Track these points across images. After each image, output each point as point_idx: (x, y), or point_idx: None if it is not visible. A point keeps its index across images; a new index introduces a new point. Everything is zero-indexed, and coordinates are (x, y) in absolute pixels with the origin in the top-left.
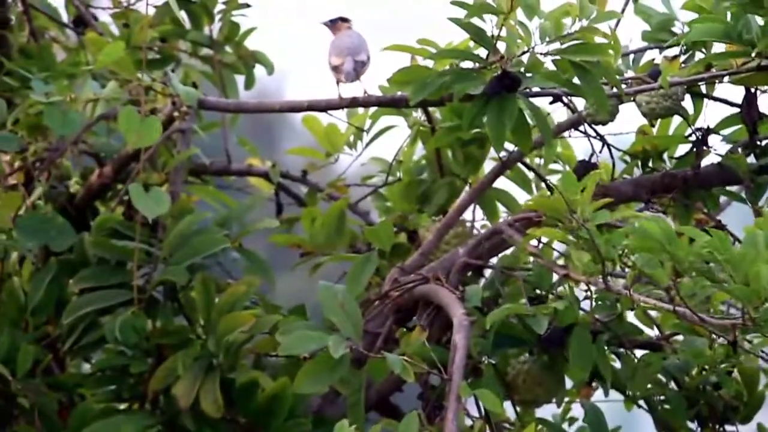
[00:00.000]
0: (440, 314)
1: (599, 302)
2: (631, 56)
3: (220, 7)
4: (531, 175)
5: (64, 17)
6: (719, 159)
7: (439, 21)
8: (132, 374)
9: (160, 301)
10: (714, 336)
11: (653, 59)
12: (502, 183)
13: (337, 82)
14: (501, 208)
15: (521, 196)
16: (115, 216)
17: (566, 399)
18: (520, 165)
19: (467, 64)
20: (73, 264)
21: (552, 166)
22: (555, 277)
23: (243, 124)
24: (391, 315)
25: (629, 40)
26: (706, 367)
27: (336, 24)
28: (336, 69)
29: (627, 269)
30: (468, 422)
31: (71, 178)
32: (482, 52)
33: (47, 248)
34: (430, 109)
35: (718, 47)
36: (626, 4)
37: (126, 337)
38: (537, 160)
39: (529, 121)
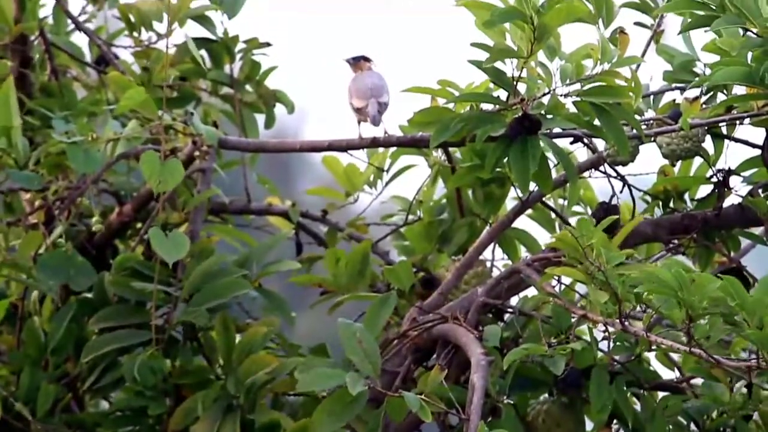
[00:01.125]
0: (459, 354)
1: (618, 343)
2: (652, 96)
3: (241, 46)
4: (554, 214)
5: (86, 56)
6: (740, 200)
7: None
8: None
9: (180, 340)
10: (732, 379)
11: (674, 100)
12: (525, 223)
13: (358, 122)
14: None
15: (544, 236)
16: (135, 255)
17: None
18: (543, 205)
19: (488, 106)
20: (93, 303)
21: (574, 207)
22: (574, 318)
23: (260, 161)
24: (410, 354)
25: (650, 78)
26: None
27: (358, 62)
28: (359, 111)
29: (646, 310)
30: None
31: (91, 217)
32: (502, 93)
33: (67, 287)
34: (450, 148)
35: (739, 89)
36: (648, 44)
37: (144, 378)
38: (561, 201)
39: (551, 160)
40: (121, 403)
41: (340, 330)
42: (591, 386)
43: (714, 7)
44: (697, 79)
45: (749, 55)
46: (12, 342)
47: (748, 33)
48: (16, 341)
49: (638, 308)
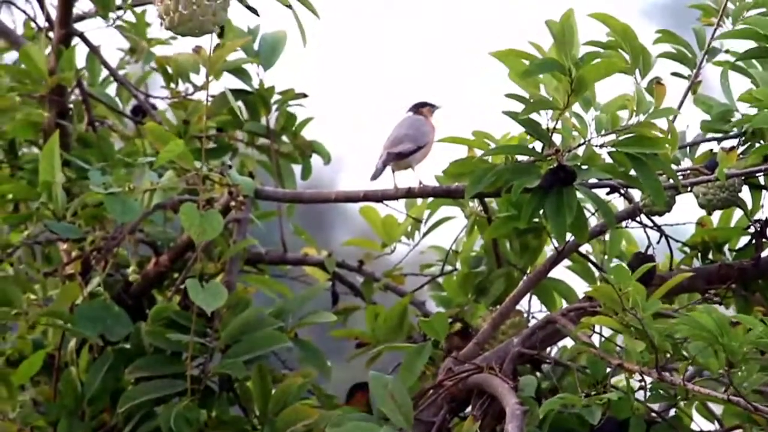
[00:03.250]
0: (494, 404)
1: (654, 392)
2: (688, 146)
3: (276, 97)
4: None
5: (119, 104)
6: None
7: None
8: None
9: (216, 391)
10: None
11: (711, 150)
12: (563, 274)
13: (393, 172)
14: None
15: (581, 287)
16: (172, 306)
17: None
18: (579, 255)
19: (523, 157)
20: (129, 353)
21: (613, 260)
22: (610, 368)
23: (296, 211)
24: (446, 404)
25: (686, 126)
26: None
27: (418, 110)
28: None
29: (682, 359)
30: None
31: (128, 267)
32: (537, 143)
33: (104, 337)
34: (486, 198)
35: None
36: (685, 94)
37: (180, 428)
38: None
39: (588, 210)
40: None
41: (371, 382)
42: None
43: None
44: (734, 122)
45: None
46: (49, 393)
47: None
48: (53, 392)
49: (675, 357)
